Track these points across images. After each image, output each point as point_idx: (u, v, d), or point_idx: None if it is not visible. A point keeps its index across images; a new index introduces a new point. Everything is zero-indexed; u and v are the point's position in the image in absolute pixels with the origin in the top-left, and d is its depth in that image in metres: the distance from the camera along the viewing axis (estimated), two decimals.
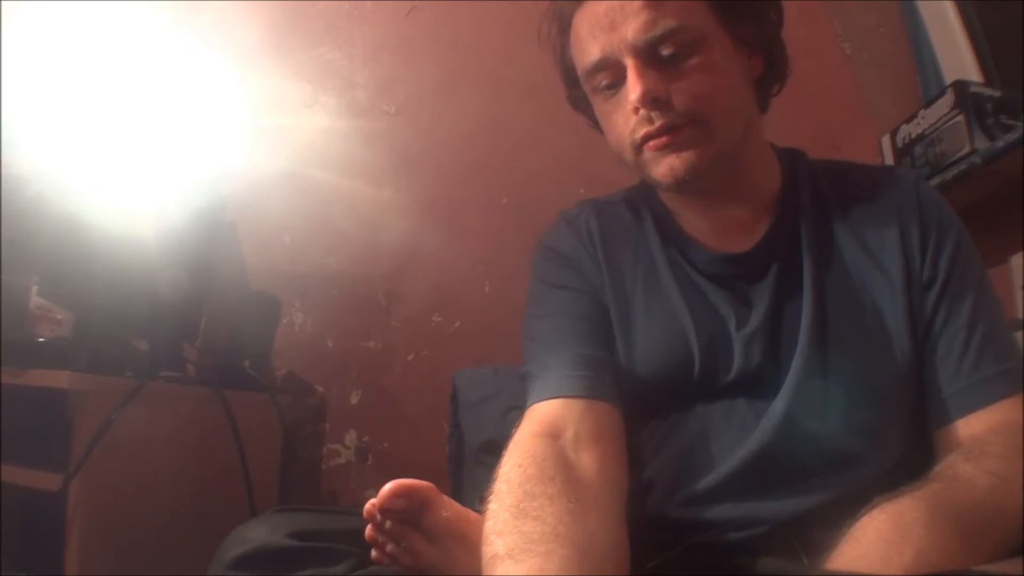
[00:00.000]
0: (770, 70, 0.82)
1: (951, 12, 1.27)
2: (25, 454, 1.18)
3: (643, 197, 0.87)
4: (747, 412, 0.72)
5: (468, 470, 1.16)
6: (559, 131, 1.65)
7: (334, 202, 1.66)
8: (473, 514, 0.69)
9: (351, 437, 1.61)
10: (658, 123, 0.72)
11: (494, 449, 1.01)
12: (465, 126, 1.65)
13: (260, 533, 0.71)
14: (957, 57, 1.25)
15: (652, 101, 0.71)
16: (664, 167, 0.74)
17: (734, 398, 0.73)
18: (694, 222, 0.83)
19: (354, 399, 1.63)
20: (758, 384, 0.73)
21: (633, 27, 0.72)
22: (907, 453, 0.72)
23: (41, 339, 1.26)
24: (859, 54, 1.51)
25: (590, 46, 0.75)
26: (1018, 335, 1.06)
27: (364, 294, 1.64)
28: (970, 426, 0.69)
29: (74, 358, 1.20)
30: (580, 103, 0.86)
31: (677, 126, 0.72)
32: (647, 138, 0.74)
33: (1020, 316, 1.09)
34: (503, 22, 1.69)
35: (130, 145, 1.50)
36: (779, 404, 0.70)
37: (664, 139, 0.73)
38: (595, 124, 0.86)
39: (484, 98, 1.66)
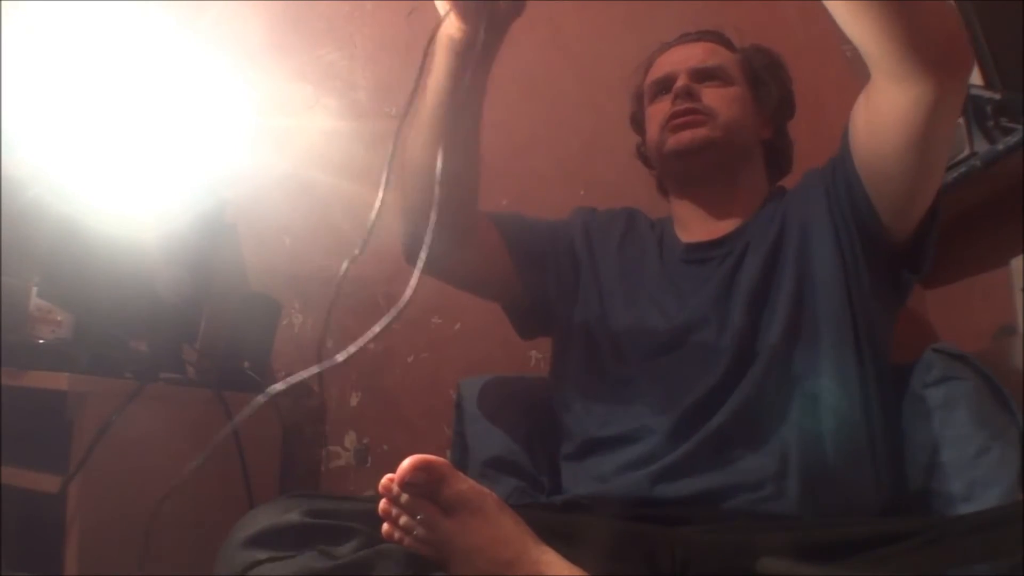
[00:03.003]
0: (775, 142, 1.11)
1: None
2: (25, 456, 1.18)
3: (662, 221, 1.14)
4: (708, 346, 0.93)
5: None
6: (559, 133, 1.65)
7: (334, 204, 1.66)
8: (487, 490, 0.71)
9: (351, 439, 1.61)
10: (685, 106, 1.02)
11: (501, 465, 1.01)
12: None
13: (272, 513, 0.72)
14: None
15: (686, 91, 1.03)
16: (674, 140, 1.03)
17: (697, 336, 0.94)
18: (690, 230, 1.07)
19: (354, 401, 1.63)
20: (710, 327, 0.94)
21: (692, 60, 1.07)
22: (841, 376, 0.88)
23: (41, 341, 1.26)
24: (859, 56, 1.51)
25: (661, 69, 1.09)
26: (1018, 340, 1.07)
27: (364, 296, 1.64)
28: None
29: (74, 360, 1.20)
30: (637, 124, 1.17)
31: (696, 111, 1.02)
32: (675, 116, 1.03)
33: (1020, 318, 1.09)
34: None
35: (130, 146, 1.50)
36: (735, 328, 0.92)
37: (685, 118, 1.02)
38: (640, 149, 1.18)
39: (485, 100, 1.66)
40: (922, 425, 0.89)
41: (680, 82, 1.04)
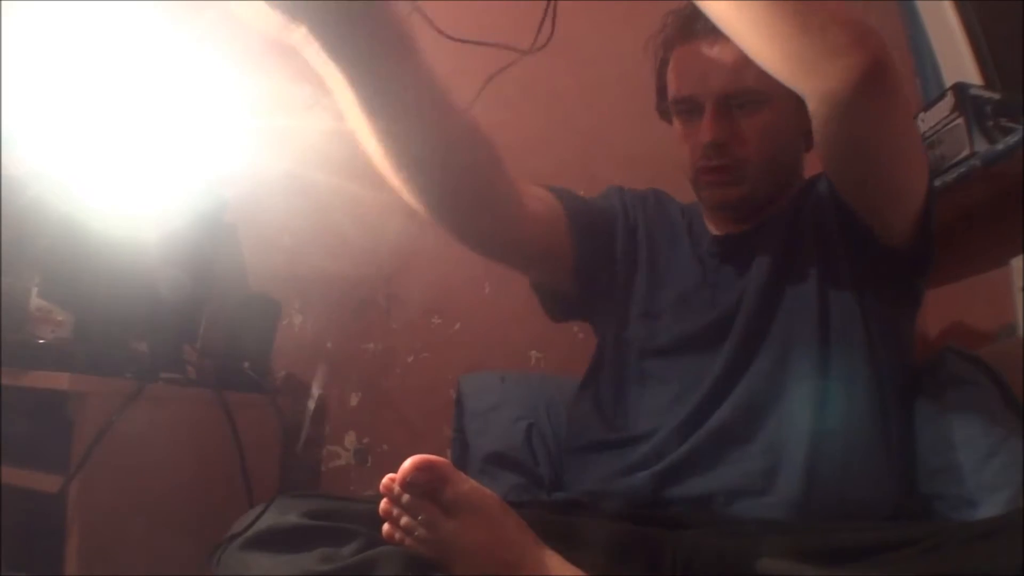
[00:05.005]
0: None
1: (951, 14, 1.27)
2: (25, 456, 1.18)
3: (691, 209, 1.09)
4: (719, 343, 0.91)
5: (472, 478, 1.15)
6: (559, 134, 1.65)
7: (334, 204, 1.66)
8: (488, 490, 0.71)
9: (351, 439, 1.61)
10: (715, 162, 0.94)
11: (501, 460, 1.01)
12: None
13: (270, 514, 0.72)
14: (957, 59, 1.25)
15: (716, 147, 0.92)
16: (708, 194, 0.98)
17: (713, 333, 0.92)
18: (719, 223, 1.03)
19: (354, 401, 1.63)
20: (728, 323, 0.92)
21: (719, 82, 0.91)
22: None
23: (41, 341, 1.26)
24: None
25: (683, 82, 0.96)
26: (1017, 341, 1.07)
27: (364, 296, 1.64)
28: None
29: (74, 359, 1.20)
30: (664, 114, 1.05)
31: (727, 167, 0.94)
32: (704, 170, 0.95)
33: (1020, 318, 1.10)
34: (504, 25, 1.69)
35: (130, 146, 1.50)
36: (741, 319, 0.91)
37: (715, 176, 0.95)
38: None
39: (484, 101, 1.66)
40: (932, 427, 0.88)
41: (706, 136, 0.92)
